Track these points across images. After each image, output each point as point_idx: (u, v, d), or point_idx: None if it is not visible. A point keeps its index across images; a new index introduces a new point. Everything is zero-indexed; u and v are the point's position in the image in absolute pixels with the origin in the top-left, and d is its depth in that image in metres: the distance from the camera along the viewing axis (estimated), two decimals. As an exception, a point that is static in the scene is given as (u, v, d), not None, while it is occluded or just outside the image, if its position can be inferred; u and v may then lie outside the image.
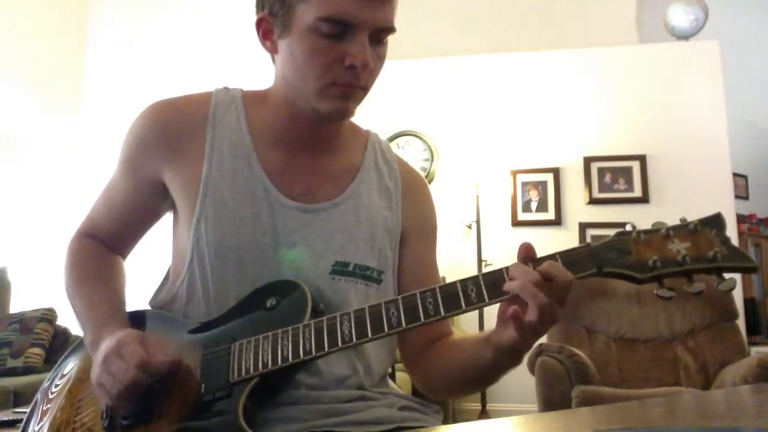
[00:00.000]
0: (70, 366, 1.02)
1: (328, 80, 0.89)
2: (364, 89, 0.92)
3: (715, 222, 0.80)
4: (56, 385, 1.00)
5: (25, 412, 1.03)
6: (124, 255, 1.09)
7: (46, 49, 4.58)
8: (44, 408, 0.99)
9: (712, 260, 0.78)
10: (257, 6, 0.95)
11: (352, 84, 0.90)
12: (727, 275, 0.79)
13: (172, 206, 1.02)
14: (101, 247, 1.07)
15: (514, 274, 0.81)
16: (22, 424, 1.01)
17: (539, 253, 0.84)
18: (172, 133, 0.98)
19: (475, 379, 0.97)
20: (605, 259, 0.81)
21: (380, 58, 0.92)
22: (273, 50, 0.95)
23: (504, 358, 0.87)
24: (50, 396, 1.00)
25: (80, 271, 1.03)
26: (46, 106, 4.53)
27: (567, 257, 0.82)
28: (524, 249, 0.84)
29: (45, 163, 4.45)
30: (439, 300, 0.82)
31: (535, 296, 0.78)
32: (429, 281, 1.01)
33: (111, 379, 0.86)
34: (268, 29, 0.94)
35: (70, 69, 4.82)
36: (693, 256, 0.79)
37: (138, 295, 1.06)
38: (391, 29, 0.90)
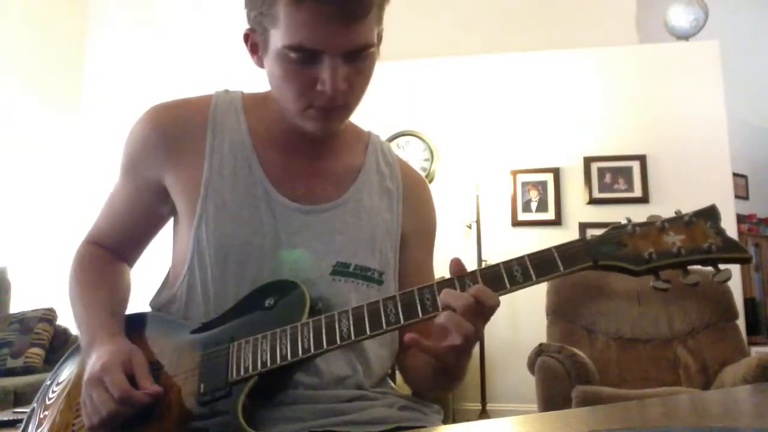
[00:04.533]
0: (69, 370, 1.01)
1: (304, 103, 0.89)
2: (345, 107, 0.91)
3: (710, 214, 0.81)
4: (54, 390, 1.00)
5: (25, 412, 1.03)
6: (130, 262, 1.09)
7: (46, 49, 4.58)
8: (43, 412, 0.98)
9: (708, 251, 0.78)
10: (246, 19, 0.94)
11: (329, 107, 0.89)
12: (722, 266, 0.79)
13: (173, 209, 1.01)
14: (106, 254, 1.06)
15: (445, 300, 0.80)
16: (21, 427, 1.01)
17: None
18: (172, 136, 0.98)
19: (434, 381, 0.98)
20: (601, 252, 0.81)
21: (361, 74, 0.89)
22: (260, 65, 0.95)
23: (444, 370, 0.89)
24: (49, 400, 0.99)
25: (82, 277, 1.03)
26: (46, 106, 4.53)
27: (563, 251, 0.82)
28: (455, 264, 0.84)
29: (45, 163, 4.45)
30: (437, 295, 0.82)
31: (460, 325, 0.78)
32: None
33: (91, 406, 0.86)
34: (254, 44, 0.93)
35: (70, 69, 4.82)
36: (688, 247, 0.79)
37: (139, 297, 1.06)
38: (366, 47, 0.87)
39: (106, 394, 0.84)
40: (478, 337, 0.82)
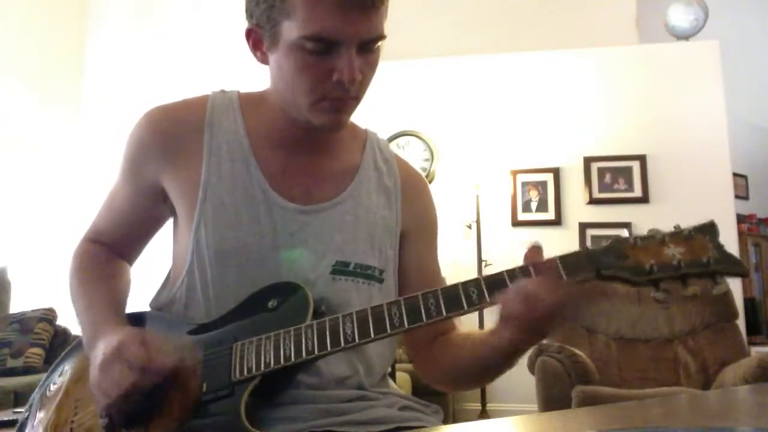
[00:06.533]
0: (67, 367, 1.01)
1: (318, 95, 0.89)
2: (356, 99, 0.92)
3: (709, 229, 0.83)
4: (53, 386, 1.00)
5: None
6: (130, 261, 1.09)
7: (46, 49, 4.58)
8: (41, 409, 0.98)
9: (706, 265, 0.80)
10: (246, 16, 0.93)
11: (343, 98, 0.89)
12: (720, 279, 0.82)
13: (172, 211, 1.02)
14: (105, 251, 1.07)
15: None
16: (17, 426, 1.01)
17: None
18: (170, 139, 0.98)
19: (477, 374, 1.00)
20: (604, 262, 0.83)
21: (371, 66, 0.91)
22: (263, 61, 0.95)
23: (503, 357, 0.89)
24: (47, 397, 0.99)
25: (82, 274, 1.03)
26: (46, 106, 4.53)
27: (566, 261, 0.83)
28: (532, 252, 0.86)
29: (45, 163, 4.45)
30: (441, 301, 0.83)
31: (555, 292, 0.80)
32: (433, 280, 1.02)
33: (111, 383, 0.85)
34: (257, 40, 0.93)
35: (70, 69, 4.83)
36: (688, 260, 0.81)
37: (139, 298, 1.06)
38: (379, 38, 0.89)
39: (127, 367, 0.83)
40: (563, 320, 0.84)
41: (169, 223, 1.05)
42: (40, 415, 0.98)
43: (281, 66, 0.91)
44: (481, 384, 1.07)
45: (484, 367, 0.97)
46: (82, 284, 1.02)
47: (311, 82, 0.88)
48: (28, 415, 1.00)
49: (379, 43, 0.90)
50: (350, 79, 0.86)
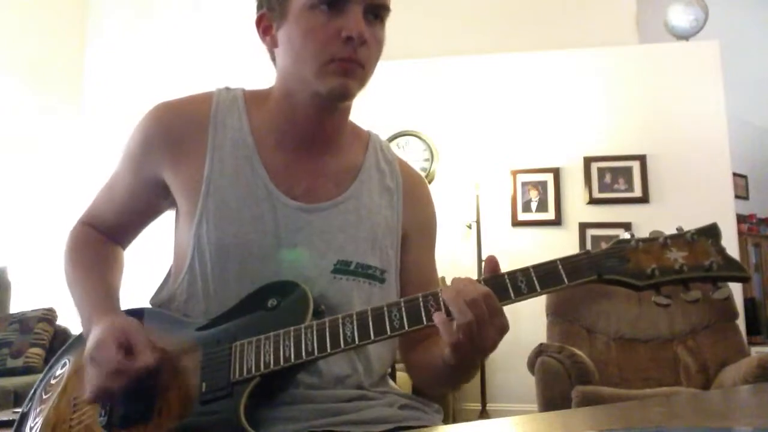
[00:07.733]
0: (66, 363, 1.02)
1: (326, 57, 0.90)
2: (363, 67, 0.92)
3: (712, 232, 0.82)
4: (52, 383, 1.00)
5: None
6: (123, 246, 1.11)
7: (46, 49, 4.58)
8: (40, 406, 0.99)
9: (708, 269, 0.80)
10: (257, 6, 0.98)
11: (351, 58, 0.90)
12: (721, 284, 0.81)
13: (174, 206, 1.02)
14: (100, 235, 1.08)
15: (456, 285, 0.82)
16: (15, 423, 1.01)
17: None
18: (175, 134, 0.99)
19: (438, 380, 0.99)
20: (605, 266, 0.82)
21: (377, 40, 0.93)
22: (273, 44, 0.97)
23: (449, 369, 0.88)
24: (46, 394, 1.00)
25: (77, 258, 1.05)
26: (46, 106, 4.53)
27: (567, 264, 0.83)
28: (490, 263, 0.85)
29: (45, 163, 4.45)
30: (441, 303, 0.83)
31: (461, 313, 0.79)
32: (428, 284, 1.01)
33: (88, 381, 0.88)
34: (267, 25, 0.96)
35: (70, 69, 4.82)
36: (690, 265, 0.81)
37: (140, 294, 1.06)
38: (384, 5, 0.92)
39: (99, 369, 0.86)
40: (484, 344, 0.82)
41: (171, 220, 1.06)
42: (38, 413, 0.98)
43: (290, 36, 0.92)
44: (448, 389, 1.05)
45: (438, 376, 0.95)
46: (77, 268, 1.03)
47: (320, 43, 0.90)
48: (30, 408, 1.00)
49: (387, 18, 0.93)
50: (358, 33, 0.88)
